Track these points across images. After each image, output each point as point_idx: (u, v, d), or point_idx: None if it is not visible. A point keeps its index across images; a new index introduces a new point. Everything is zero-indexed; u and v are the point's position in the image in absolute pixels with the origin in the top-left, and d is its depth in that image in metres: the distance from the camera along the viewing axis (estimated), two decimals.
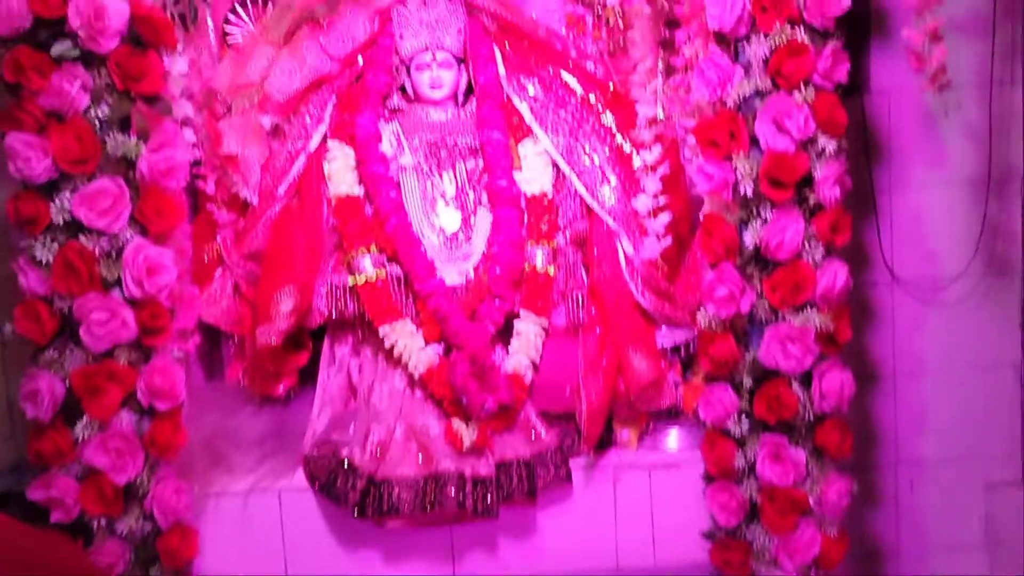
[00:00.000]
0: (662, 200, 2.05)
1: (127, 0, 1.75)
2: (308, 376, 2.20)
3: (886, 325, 2.38)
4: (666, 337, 2.10)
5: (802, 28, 1.84)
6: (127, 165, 1.79)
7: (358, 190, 2.10)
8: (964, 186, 2.32)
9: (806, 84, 1.85)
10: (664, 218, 2.05)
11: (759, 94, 1.87)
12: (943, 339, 2.38)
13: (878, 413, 2.42)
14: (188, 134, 1.97)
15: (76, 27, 1.70)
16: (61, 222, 1.75)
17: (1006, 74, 2.29)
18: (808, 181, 1.88)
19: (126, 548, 1.83)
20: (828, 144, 1.88)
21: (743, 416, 1.92)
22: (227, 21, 2.25)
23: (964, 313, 2.36)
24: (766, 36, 1.84)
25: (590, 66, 2.22)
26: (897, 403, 2.42)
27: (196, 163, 2.06)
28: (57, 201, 1.74)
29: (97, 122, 1.75)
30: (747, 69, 1.88)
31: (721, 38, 1.89)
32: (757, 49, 1.86)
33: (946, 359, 2.39)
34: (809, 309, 1.89)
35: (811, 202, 1.89)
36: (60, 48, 1.71)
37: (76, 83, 1.72)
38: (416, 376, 2.02)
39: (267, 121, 2.12)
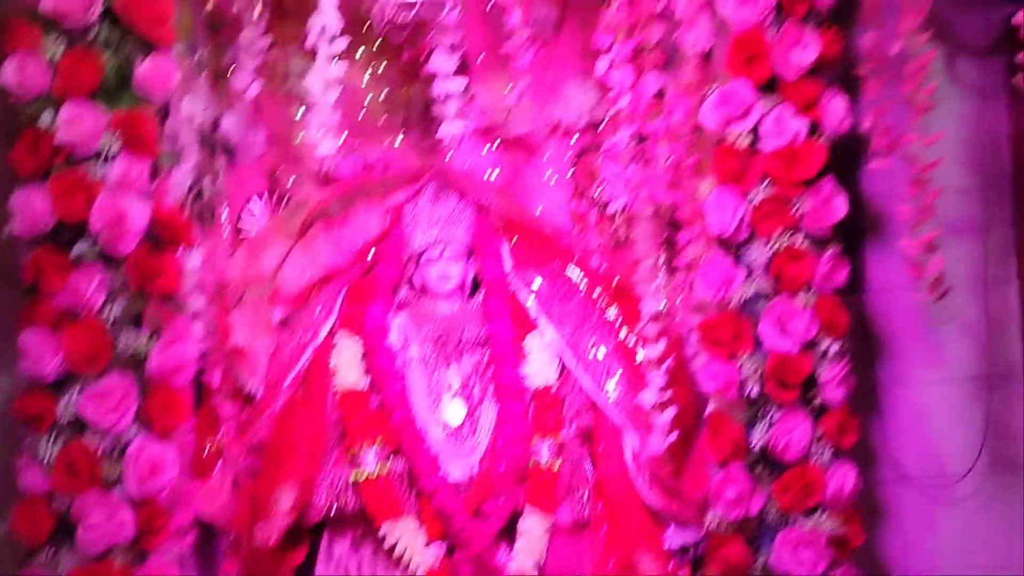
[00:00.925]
0: (667, 395, 2.06)
1: (148, 202, 1.80)
2: (304, 571, 2.14)
3: (893, 525, 2.34)
4: (674, 537, 2.07)
5: (801, 234, 1.90)
6: (136, 362, 1.80)
7: (364, 383, 2.11)
8: (965, 383, 2.33)
9: (807, 288, 1.89)
10: (669, 413, 2.05)
11: (762, 296, 1.92)
12: (954, 539, 2.33)
13: None
14: (198, 327, 2.00)
15: (97, 229, 1.75)
16: (67, 420, 1.74)
17: (1001, 273, 2.35)
18: (812, 381, 1.90)
19: None
20: (831, 345, 1.91)
21: None
22: (242, 216, 2.30)
23: (974, 512, 2.33)
24: (766, 241, 1.91)
25: (595, 261, 2.27)
26: None
27: (203, 355, 2.07)
28: (64, 399, 1.74)
29: (110, 320, 1.77)
30: (749, 271, 1.93)
31: (723, 241, 1.96)
32: (758, 253, 1.92)
33: (956, 560, 2.33)
34: (820, 513, 1.87)
35: (816, 403, 1.90)
36: (80, 249, 1.76)
37: (93, 283, 1.75)
38: None
39: (277, 313, 2.15)
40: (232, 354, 2.11)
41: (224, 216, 2.19)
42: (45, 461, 1.74)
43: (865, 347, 2.33)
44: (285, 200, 2.34)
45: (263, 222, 2.30)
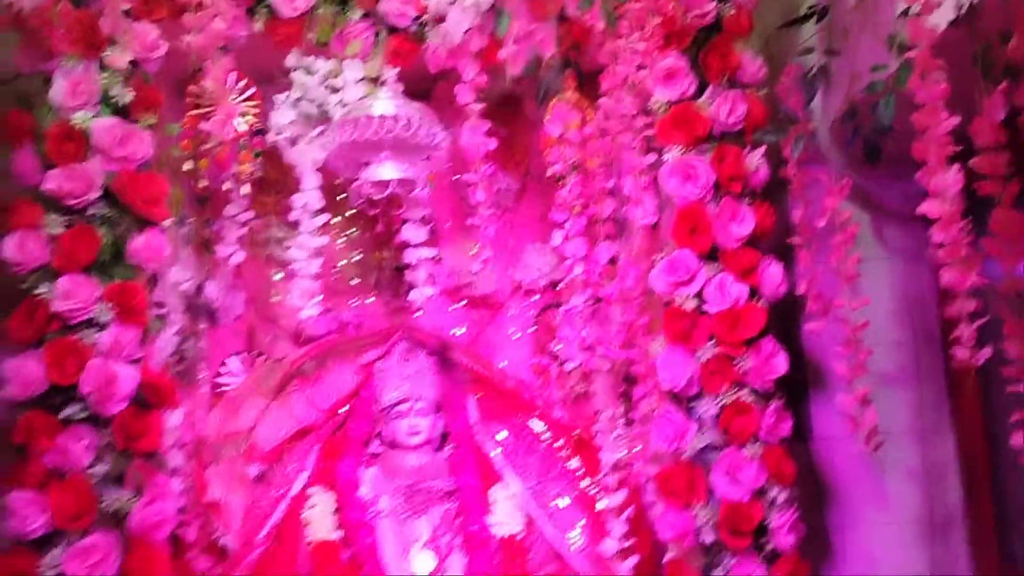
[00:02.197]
0: (628, 543, 2.15)
1: (137, 366, 1.92)
2: None
3: None
4: None
5: (746, 389, 2.05)
6: (118, 520, 1.87)
7: (335, 535, 2.18)
8: (911, 526, 2.44)
9: (754, 439, 2.03)
10: (631, 561, 2.13)
11: (713, 447, 2.05)
12: None
13: None
14: (176, 483, 2.07)
15: (87, 392, 1.85)
16: None
17: (937, 421, 2.50)
18: (764, 528, 2.01)
19: None
20: (779, 493, 2.02)
21: None
22: (220, 375, 2.41)
23: None
24: (715, 396, 2.05)
25: (556, 414, 2.40)
26: None
27: (180, 510, 2.14)
28: (48, 558, 1.80)
29: (95, 479, 1.86)
30: (700, 424, 2.06)
31: (674, 396, 2.10)
32: (707, 407, 2.06)
33: None
34: None
35: (769, 549, 2.00)
36: (70, 411, 1.86)
37: (81, 443, 1.84)
38: None
39: (253, 469, 2.23)
40: (209, 508, 2.18)
41: (203, 375, 2.30)
42: None
43: (813, 492, 2.45)
44: (263, 358, 2.46)
45: (241, 379, 2.41)
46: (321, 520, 2.19)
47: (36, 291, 1.90)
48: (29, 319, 1.88)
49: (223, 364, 2.41)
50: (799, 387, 2.47)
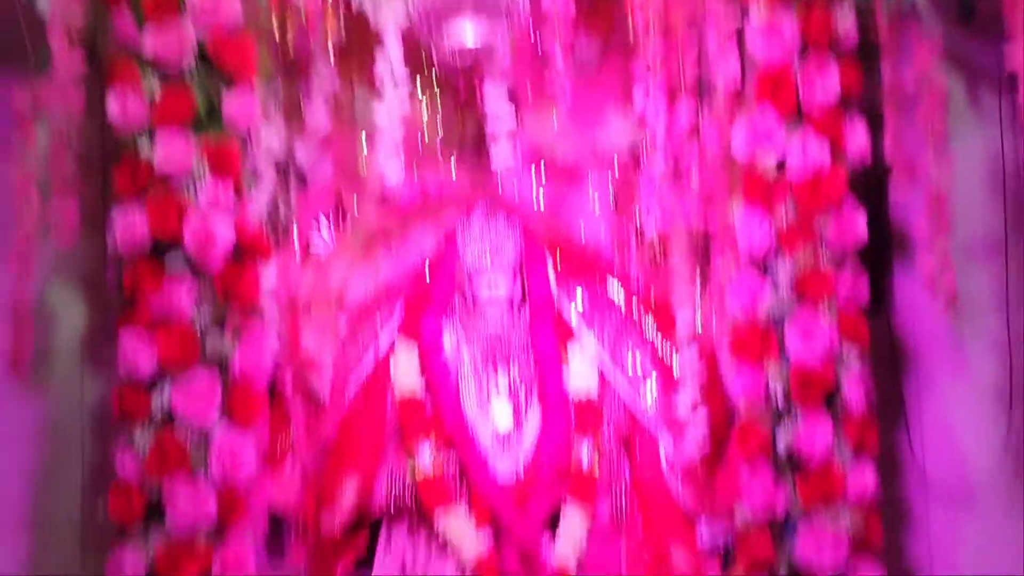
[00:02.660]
0: (701, 404, 2.22)
1: (233, 224, 2.03)
2: (365, 561, 2.32)
3: (919, 531, 2.45)
4: (705, 535, 2.21)
5: (825, 252, 2.06)
6: (220, 363, 2.01)
7: (420, 387, 2.30)
8: (989, 395, 2.44)
9: (829, 302, 2.04)
10: (702, 422, 2.20)
11: (787, 308, 2.07)
12: (978, 546, 2.43)
13: None
14: (272, 335, 2.20)
15: (190, 247, 1.97)
16: (158, 413, 1.96)
17: (1022, 290, 2.46)
18: (835, 390, 2.04)
19: None
20: (852, 357, 2.05)
21: None
22: (310, 234, 2.52)
23: (998, 520, 2.42)
24: (792, 258, 2.06)
25: (634, 278, 2.44)
26: None
27: (277, 361, 2.27)
28: (157, 394, 1.96)
29: (198, 325, 1.99)
30: (775, 286, 2.08)
31: (752, 259, 2.12)
32: (784, 270, 2.07)
33: (981, 567, 2.43)
34: (840, 510, 2.00)
35: (839, 409, 2.04)
36: (174, 262, 1.98)
37: (184, 293, 1.97)
38: (467, 564, 2.14)
39: (343, 324, 2.35)
40: (302, 361, 2.31)
41: (295, 235, 2.41)
42: (139, 450, 1.95)
43: (893, 362, 2.46)
44: (349, 221, 2.55)
45: (330, 242, 2.51)
46: (406, 374, 2.31)
47: (137, 148, 2.00)
48: (132, 175, 1.99)
49: (313, 226, 2.50)
50: (884, 258, 2.46)
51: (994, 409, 2.45)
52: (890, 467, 2.38)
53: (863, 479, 2.02)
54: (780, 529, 2.04)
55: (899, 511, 2.44)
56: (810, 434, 2.01)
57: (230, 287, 2.02)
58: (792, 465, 2.04)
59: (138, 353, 1.95)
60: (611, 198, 2.55)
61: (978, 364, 2.45)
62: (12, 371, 2.09)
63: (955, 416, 2.46)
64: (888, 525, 2.17)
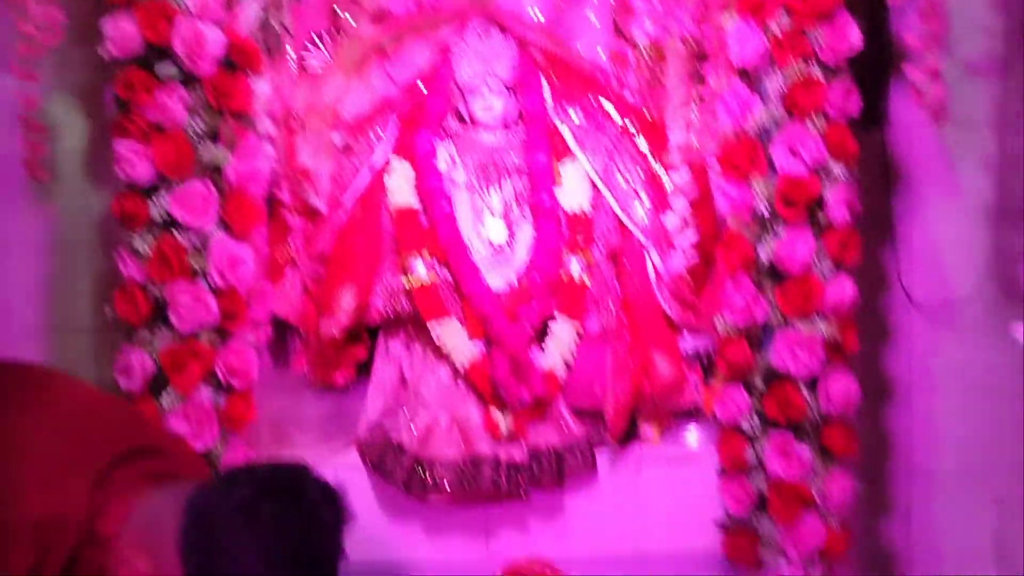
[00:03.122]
0: (690, 219, 2.26)
1: (224, 29, 2.03)
2: (364, 369, 2.43)
3: (901, 344, 2.54)
4: (688, 343, 2.30)
5: (816, 65, 2.04)
6: (216, 171, 2.06)
7: (415, 202, 2.34)
8: (977, 213, 2.47)
9: (818, 115, 2.05)
10: (690, 235, 2.25)
11: (776, 123, 2.08)
12: (956, 359, 2.52)
13: (893, 426, 2.57)
14: (268, 148, 2.24)
15: (180, 51, 1.98)
16: (158, 219, 2.02)
17: (1018, 113, 2.45)
18: (820, 203, 2.08)
19: None
20: (838, 169, 2.07)
21: (755, 415, 2.11)
22: (305, 49, 2.51)
23: (976, 335, 2.51)
24: (782, 71, 2.05)
25: (628, 95, 2.44)
26: (911, 417, 2.57)
27: (273, 175, 2.32)
28: (155, 200, 2.02)
29: (192, 133, 2.03)
30: (765, 100, 2.09)
31: (743, 72, 2.11)
32: (774, 82, 2.07)
33: (958, 378, 2.53)
34: (817, 319, 2.07)
35: (822, 222, 2.08)
36: (165, 69, 2.00)
37: (176, 99, 2.00)
38: (461, 369, 2.24)
39: (338, 139, 2.38)
40: (299, 174, 2.36)
41: (289, 47, 2.41)
42: (141, 254, 2.03)
43: (885, 178, 2.48)
44: (343, 38, 2.53)
45: (324, 56, 2.50)
46: (401, 188, 2.35)
47: None
48: None
49: (307, 40, 2.49)
50: (881, 71, 2.44)
51: (981, 228, 2.49)
52: (873, 281, 2.45)
53: (841, 291, 2.08)
54: (759, 337, 2.13)
55: (880, 324, 2.52)
56: (791, 245, 2.06)
57: (222, 96, 2.04)
58: (773, 275, 2.10)
59: (134, 161, 2.00)
60: (612, 14, 2.52)
61: (969, 182, 2.48)
62: (31, 175, 2.13)
63: (942, 233, 2.50)
64: (867, 337, 2.25)
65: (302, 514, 1.15)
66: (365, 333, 2.40)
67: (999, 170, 2.43)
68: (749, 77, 2.11)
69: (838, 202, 2.07)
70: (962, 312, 2.49)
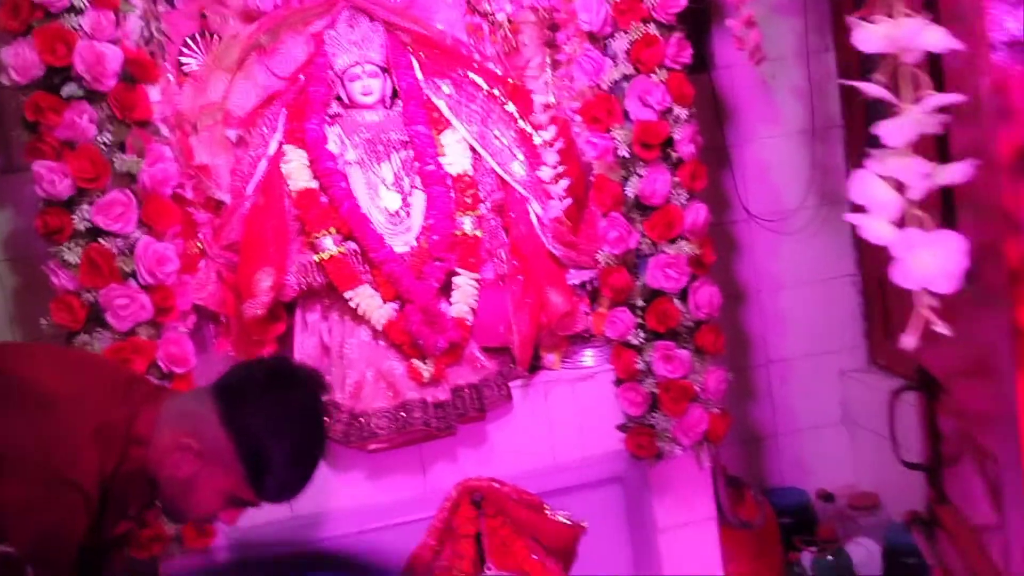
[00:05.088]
0: (560, 169, 2.56)
1: (119, 45, 2.17)
2: (283, 341, 2.63)
3: (747, 253, 2.96)
4: (574, 277, 2.61)
5: (653, 24, 2.37)
6: (130, 179, 2.21)
7: (314, 184, 2.54)
8: (796, 136, 2.90)
9: (660, 67, 2.38)
10: (563, 183, 2.56)
11: (626, 78, 2.40)
12: (793, 260, 2.97)
13: (748, 324, 3.00)
14: (167, 149, 2.39)
15: (81, 71, 2.11)
16: (83, 229, 2.16)
17: (820, 44, 2.88)
18: (670, 142, 2.42)
19: None
20: (681, 112, 2.41)
21: (640, 330, 2.46)
22: (182, 54, 2.64)
23: (807, 238, 2.96)
24: (626, 32, 2.37)
25: (491, 65, 2.70)
26: (763, 314, 3.01)
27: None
28: (78, 212, 2.15)
29: (103, 146, 2.17)
30: (615, 59, 2.40)
31: (592, 37, 2.42)
32: (620, 43, 2.39)
33: (797, 276, 2.98)
34: (681, 241, 2.43)
35: (674, 158, 2.43)
36: (69, 90, 2.13)
37: (84, 116, 2.13)
38: (379, 328, 2.49)
39: (232, 134, 2.55)
40: (199, 171, 2.51)
41: (167, 56, 2.53)
42: (71, 264, 2.16)
43: (717, 114, 2.87)
44: (216, 38, 2.68)
45: (200, 59, 2.64)
46: (298, 172, 2.54)
47: None
48: (14, 11, 2.09)
49: (182, 46, 2.62)
50: (704, 23, 2.81)
51: (802, 147, 2.92)
52: (719, 202, 2.84)
53: (697, 215, 2.44)
54: (634, 264, 2.47)
55: (728, 238, 2.93)
56: (652, 181, 2.40)
57: (125, 108, 2.19)
58: (640, 208, 2.43)
59: (53, 178, 2.12)
60: None
61: (786, 110, 2.90)
62: None
63: (769, 155, 2.92)
64: (720, 250, 2.63)
65: (306, 378, 1.66)
66: (282, 309, 2.60)
67: (809, 96, 2.85)
68: (598, 40, 2.42)
69: (685, 140, 2.42)
70: (793, 220, 2.93)
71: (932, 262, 1.39)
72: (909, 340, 1.44)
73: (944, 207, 1.51)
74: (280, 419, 1.52)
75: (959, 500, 1.71)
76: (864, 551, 2.76)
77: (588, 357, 2.62)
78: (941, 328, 1.41)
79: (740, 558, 2.71)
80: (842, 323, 3.02)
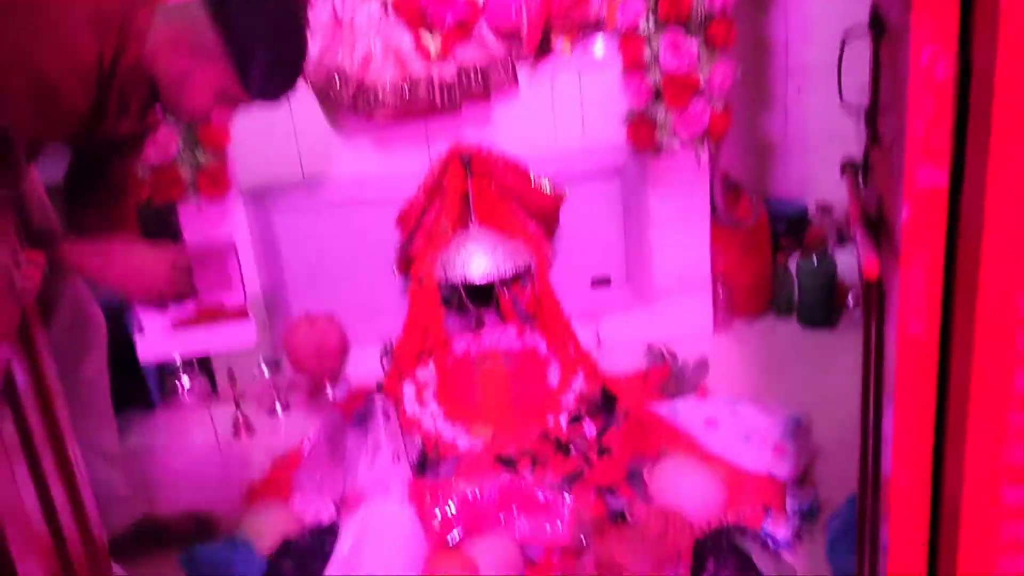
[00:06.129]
0: None
1: None
2: None
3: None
4: None
5: None
6: None
7: None
8: None
9: None
10: None
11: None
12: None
13: (771, 27, 2.91)
14: None
15: None
16: None
17: None
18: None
19: (175, 129, 2.39)
20: None
21: (650, 15, 2.42)
22: None
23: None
24: None
25: None
26: (787, 18, 2.91)
27: None
28: None
29: None
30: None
31: None
32: None
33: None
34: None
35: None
36: None
37: None
38: (389, 2, 2.48)
39: None
40: None
41: None
42: None
43: None
44: None
45: None
46: None
47: None
48: None
49: None
50: None
51: None
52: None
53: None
54: None
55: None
56: None
57: None
58: None
59: None
60: None
61: None
62: None
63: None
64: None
65: None
66: None
67: None
68: None
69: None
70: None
71: None
72: None
73: None
74: (266, 17, 1.59)
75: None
76: (851, 260, 2.83)
77: (599, 47, 2.60)
78: None
79: (728, 255, 2.82)
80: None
